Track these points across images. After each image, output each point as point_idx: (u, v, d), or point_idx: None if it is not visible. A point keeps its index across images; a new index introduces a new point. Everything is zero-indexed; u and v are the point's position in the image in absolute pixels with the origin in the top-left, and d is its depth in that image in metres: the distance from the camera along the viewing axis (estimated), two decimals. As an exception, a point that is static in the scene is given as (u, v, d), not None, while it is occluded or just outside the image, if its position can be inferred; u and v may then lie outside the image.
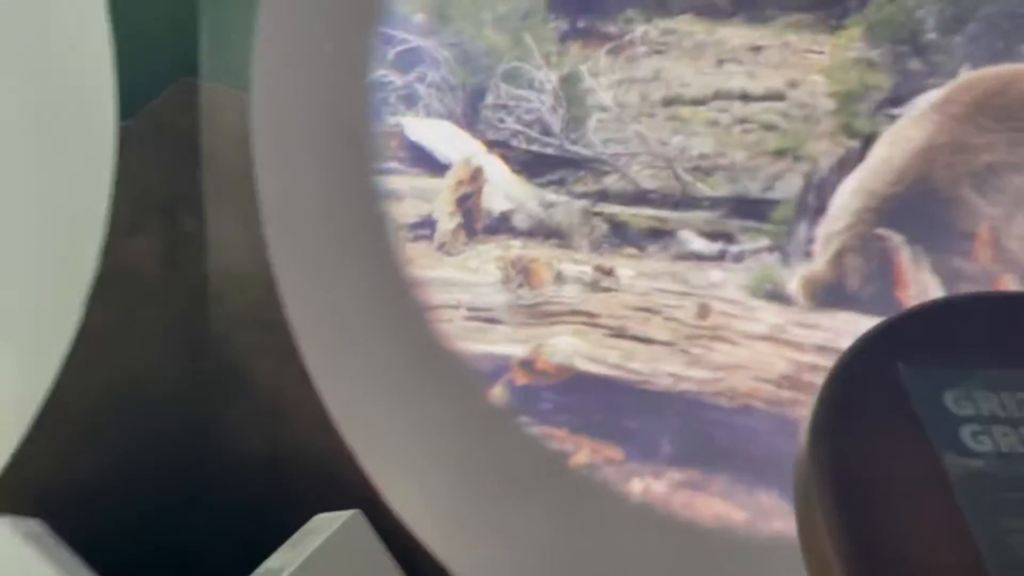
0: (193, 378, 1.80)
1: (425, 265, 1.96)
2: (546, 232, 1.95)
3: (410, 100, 1.99)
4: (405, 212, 1.99)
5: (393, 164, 1.99)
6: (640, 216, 1.89)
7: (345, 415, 1.81)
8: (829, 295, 1.78)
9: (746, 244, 1.85)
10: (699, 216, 1.87)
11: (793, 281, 1.78)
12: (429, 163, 2.00)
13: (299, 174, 1.92)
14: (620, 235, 1.91)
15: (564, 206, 1.94)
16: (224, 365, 1.80)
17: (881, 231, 1.76)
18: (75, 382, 1.58)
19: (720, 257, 1.86)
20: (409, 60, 1.97)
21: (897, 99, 1.67)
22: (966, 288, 1.74)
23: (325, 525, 1.56)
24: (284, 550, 1.53)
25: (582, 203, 1.91)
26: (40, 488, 1.63)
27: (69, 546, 1.49)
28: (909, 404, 0.60)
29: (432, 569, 1.70)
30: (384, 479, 1.77)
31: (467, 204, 2.01)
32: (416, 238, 1.98)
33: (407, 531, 1.70)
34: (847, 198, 1.72)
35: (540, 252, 1.93)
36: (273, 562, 1.45)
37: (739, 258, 1.85)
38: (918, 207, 1.68)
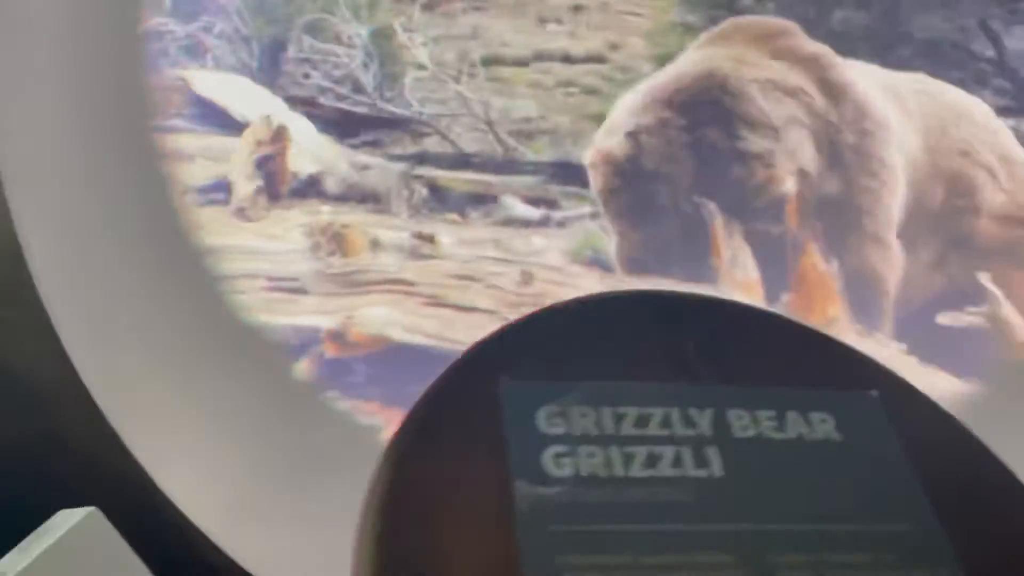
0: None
1: (218, 232, 1.74)
2: (360, 196, 1.80)
3: (194, 52, 1.75)
4: (194, 174, 1.75)
5: (177, 122, 1.75)
6: (461, 180, 1.80)
7: (117, 398, 1.57)
8: (648, 263, 1.79)
9: (569, 210, 1.82)
10: (522, 181, 1.81)
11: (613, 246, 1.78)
12: (221, 121, 1.78)
13: (49, 134, 1.62)
14: (441, 200, 1.81)
15: (379, 169, 1.80)
16: None
17: (696, 199, 1.80)
18: None
19: (543, 223, 1.82)
20: (190, 7, 1.74)
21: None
22: (775, 253, 1.83)
23: (61, 524, 1.36)
24: (13, 553, 1.32)
25: (399, 166, 1.79)
26: None
27: None
28: (499, 424, 0.54)
29: (225, 565, 1.53)
30: (163, 466, 1.56)
31: (268, 166, 1.81)
32: (208, 202, 1.75)
33: (187, 521, 1.52)
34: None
35: (354, 218, 1.78)
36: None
37: (562, 224, 1.83)
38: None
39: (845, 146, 1.72)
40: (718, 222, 1.84)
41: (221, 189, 1.79)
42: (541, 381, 0.56)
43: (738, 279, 1.83)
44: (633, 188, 1.79)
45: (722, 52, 1.75)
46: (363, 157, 1.81)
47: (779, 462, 0.54)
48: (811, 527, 0.51)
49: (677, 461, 0.53)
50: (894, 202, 1.69)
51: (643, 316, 0.60)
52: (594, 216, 1.83)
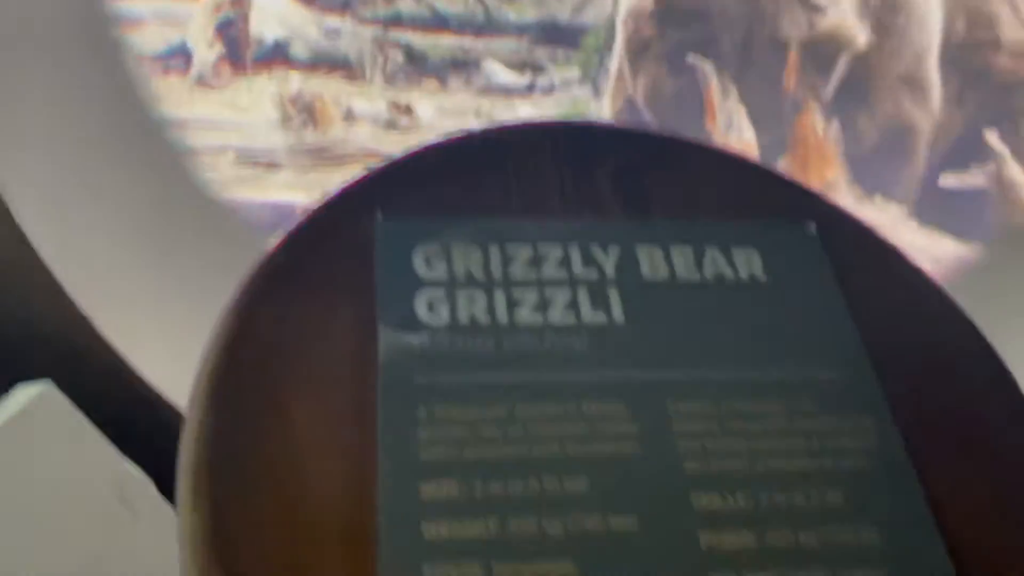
0: None
1: (180, 103, 1.65)
2: (331, 64, 1.70)
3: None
4: (148, 40, 1.65)
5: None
6: (440, 45, 1.70)
7: (80, 275, 1.52)
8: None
9: (555, 75, 1.72)
10: (505, 44, 1.71)
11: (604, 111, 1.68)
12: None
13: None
14: (418, 66, 1.71)
15: (351, 33, 1.70)
16: None
17: (691, 59, 1.70)
18: None
19: (529, 90, 1.73)
20: None
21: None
22: (774, 117, 1.73)
23: (16, 399, 1.34)
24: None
25: (372, 30, 1.69)
26: None
27: None
28: (369, 266, 0.47)
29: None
30: (134, 345, 1.53)
31: (231, 31, 1.71)
32: (166, 70, 1.66)
33: (158, 396, 1.50)
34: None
35: (325, 87, 1.69)
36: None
37: (548, 91, 1.73)
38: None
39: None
40: (713, 84, 1.74)
41: (181, 55, 1.69)
42: (422, 218, 0.49)
43: (732, 143, 1.74)
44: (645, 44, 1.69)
45: None
46: (333, 21, 1.71)
47: (691, 305, 0.48)
48: (718, 375, 0.45)
49: (571, 305, 0.47)
50: (923, 38, 1.58)
51: (548, 147, 0.53)
52: (582, 82, 1.74)
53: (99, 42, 1.56)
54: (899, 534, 0.41)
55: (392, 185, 0.50)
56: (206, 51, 1.68)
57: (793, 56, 1.70)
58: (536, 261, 0.48)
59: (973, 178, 1.51)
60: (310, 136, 1.70)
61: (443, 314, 0.46)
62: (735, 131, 1.75)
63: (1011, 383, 0.47)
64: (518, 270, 0.48)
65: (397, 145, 1.72)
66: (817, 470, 0.42)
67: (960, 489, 0.43)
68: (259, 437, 0.39)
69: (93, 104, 1.55)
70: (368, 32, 1.70)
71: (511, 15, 1.71)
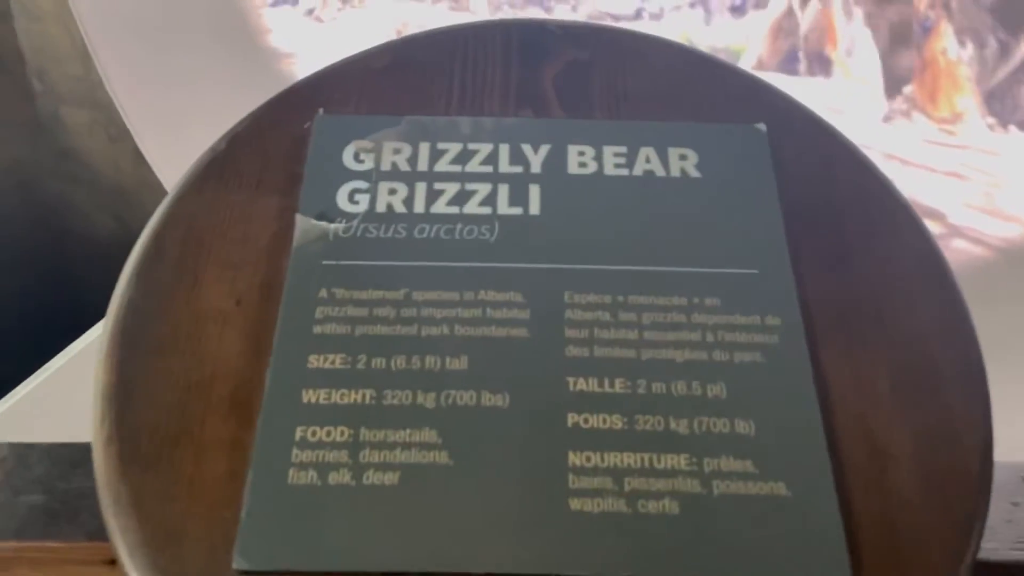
0: (33, 162, 1.57)
1: (291, 36, 1.71)
2: (441, -7, 1.72)
3: None
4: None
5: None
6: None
7: None
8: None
9: (665, 1, 1.68)
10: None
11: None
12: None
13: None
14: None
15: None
16: (59, 148, 1.57)
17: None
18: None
19: (637, 16, 1.69)
20: None
21: None
22: (900, 43, 1.63)
23: None
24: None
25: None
26: None
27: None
28: (302, 159, 0.49)
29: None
30: None
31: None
32: (275, 4, 1.72)
33: None
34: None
35: (436, 18, 1.71)
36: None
37: (658, 16, 1.69)
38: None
39: None
40: (836, 5, 1.65)
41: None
42: (361, 116, 0.51)
43: (855, 71, 1.65)
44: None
45: None
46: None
47: (611, 200, 0.48)
48: (624, 267, 0.45)
49: (490, 199, 0.48)
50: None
51: (499, 44, 0.53)
52: (692, 5, 1.68)
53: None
54: (776, 427, 0.40)
55: (339, 83, 0.52)
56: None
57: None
58: (463, 157, 0.49)
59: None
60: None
61: (362, 204, 0.48)
62: (857, 58, 1.66)
63: (935, 268, 0.45)
64: (444, 165, 0.49)
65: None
66: (705, 362, 0.42)
67: (857, 380, 0.42)
68: (168, 308, 0.43)
69: (209, 34, 1.64)
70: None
71: (619, -62, 1.67)
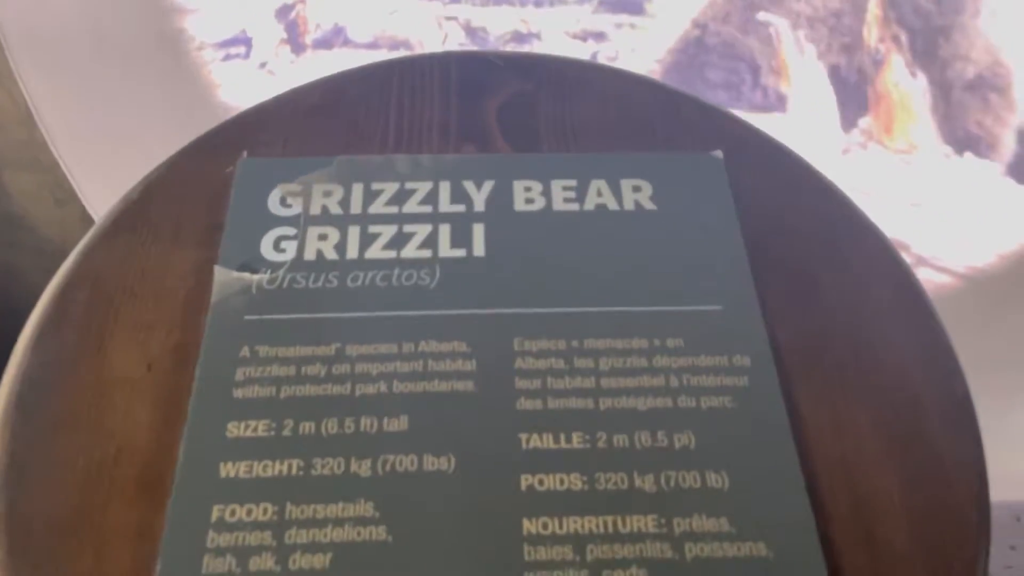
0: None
1: (242, 90, 1.69)
2: (391, 44, 1.70)
3: None
4: (207, 28, 1.69)
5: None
6: (499, 18, 1.68)
7: None
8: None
9: (620, 43, 1.67)
10: (567, 13, 1.67)
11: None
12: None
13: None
14: (478, 42, 1.69)
15: (408, 11, 1.70)
16: (2, 214, 1.52)
17: (762, 16, 1.62)
18: None
19: (592, 60, 1.68)
20: None
21: None
22: (844, 76, 1.63)
23: None
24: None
25: (431, 6, 1.68)
26: None
27: None
28: (224, 206, 0.45)
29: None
30: None
31: (289, 16, 1.73)
32: (226, 58, 1.70)
33: None
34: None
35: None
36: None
37: (612, 59, 1.68)
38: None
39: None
40: (786, 41, 1.65)
41: (241, 43, 1.73)
42: (288, 158, 0.47)
43: (808, 104, 1.64)
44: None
45: None
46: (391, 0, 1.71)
47: (562, 238, 0.44)
48: (577, 310, 0.41)
49: (430, 241, 0.44)
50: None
51: (436, 77, 0.50)
52: (647, 48, 1.68)
53: (160, 31, 1.61)
54: (752, 478, 0.36)
55: (265, 123, 0.48)
56: (265, 36, 1.71)
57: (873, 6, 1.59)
58: (400, 197, 0.45)
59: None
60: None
61: (289, 252, 0.44)
62: (810, 91, 1.66)
63: (910, 295, 0.41)
64: (379, 207, 0.45)
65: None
66: (670, 410, 0.38)
67: (835, 422, 0.38)
68: (69, 377, 0.39)
69: (157, 93, 1.60)
70: (427, 9, 1.69)
71: (571, -17, 1.67)
